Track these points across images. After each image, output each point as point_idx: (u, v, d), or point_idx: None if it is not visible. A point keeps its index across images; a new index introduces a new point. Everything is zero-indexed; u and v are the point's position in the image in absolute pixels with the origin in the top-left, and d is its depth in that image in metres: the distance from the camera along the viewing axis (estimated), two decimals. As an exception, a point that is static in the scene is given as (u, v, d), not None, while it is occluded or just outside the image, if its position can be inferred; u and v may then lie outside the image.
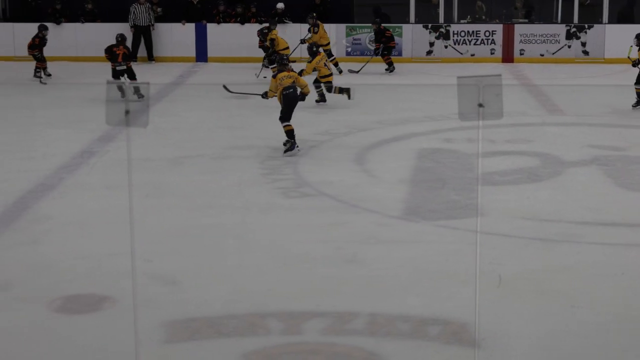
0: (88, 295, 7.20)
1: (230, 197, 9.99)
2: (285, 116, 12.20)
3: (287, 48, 18.88)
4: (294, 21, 21.78)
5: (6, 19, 23.08)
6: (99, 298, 7.11)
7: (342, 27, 22.35)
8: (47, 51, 19.04)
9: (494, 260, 7.79)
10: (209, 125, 14.13)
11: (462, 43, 22.47)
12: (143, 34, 22.09)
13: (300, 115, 13.85)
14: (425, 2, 23.22)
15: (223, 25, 22.23)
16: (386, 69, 20.29)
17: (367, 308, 6.84)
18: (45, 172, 11.06)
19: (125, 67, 16.63)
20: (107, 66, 16.69)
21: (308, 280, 7.53)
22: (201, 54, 22.19)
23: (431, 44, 22.46)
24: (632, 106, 15.71)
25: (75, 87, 17.92)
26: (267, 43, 19.09)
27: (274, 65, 16.61)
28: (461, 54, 22.45)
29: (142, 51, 22.06)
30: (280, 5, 21.88)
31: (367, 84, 18.52)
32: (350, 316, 6.70)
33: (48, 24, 20.72)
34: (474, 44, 22.45)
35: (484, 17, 23.79)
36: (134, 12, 22.04)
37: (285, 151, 12.12)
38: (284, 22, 21.74)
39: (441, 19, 22.92)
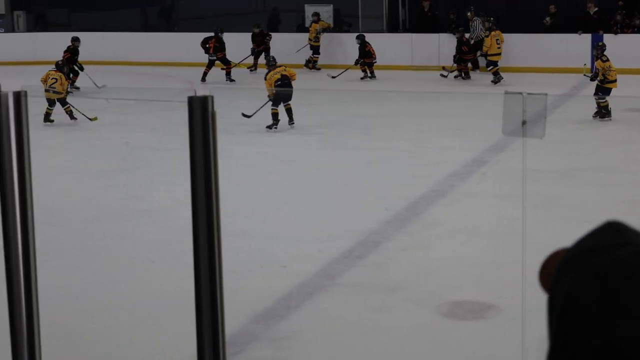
0: (474, 302, 7.30)
1: (621, 213, 9.69)
2: (276, 102, 14.71)
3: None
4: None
5: (406, 29, 23.89)
6: (484, 306, 7.18)
7: None
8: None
9: None
10: (602, 138, 13.81)
11: None
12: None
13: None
14: None
15: (620, 35, 21.61)
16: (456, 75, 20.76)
17: None
18: (437, 178, 11.33)
19: (216, 57, 20.41)
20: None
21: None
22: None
23: None
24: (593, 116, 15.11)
25: (463, 96, 18.21)
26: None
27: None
28: None
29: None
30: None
31: None
32: None
33: (445, 35, 21.32)
34: None
35: None
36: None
37: (268, 126, 14.62)
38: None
39: None
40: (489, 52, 20.50)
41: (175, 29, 25.38)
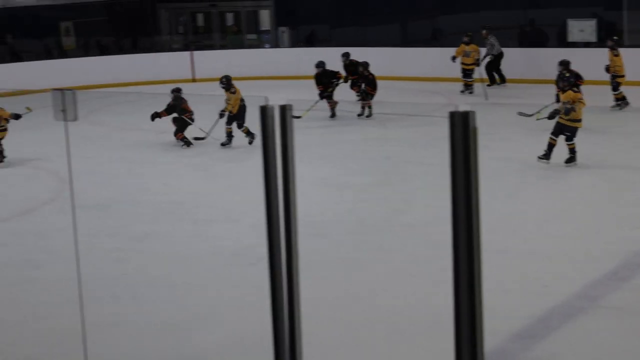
0: None
1: None
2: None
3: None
4: None
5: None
6: None
7: None
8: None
9: None
10: None
11: None
12: None
13: None
14: None
15: None
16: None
17: None
18: None
19: None
20: None
21: None
22: None
23: None
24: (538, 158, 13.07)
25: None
26: None
27: None
28: None
29: None
30: None
31: None
32: None
33: None
34: None
35: None
36: None
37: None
38: None
39: None
40: (619, 73, 17.61)
41: (435, 44, 25.39)
